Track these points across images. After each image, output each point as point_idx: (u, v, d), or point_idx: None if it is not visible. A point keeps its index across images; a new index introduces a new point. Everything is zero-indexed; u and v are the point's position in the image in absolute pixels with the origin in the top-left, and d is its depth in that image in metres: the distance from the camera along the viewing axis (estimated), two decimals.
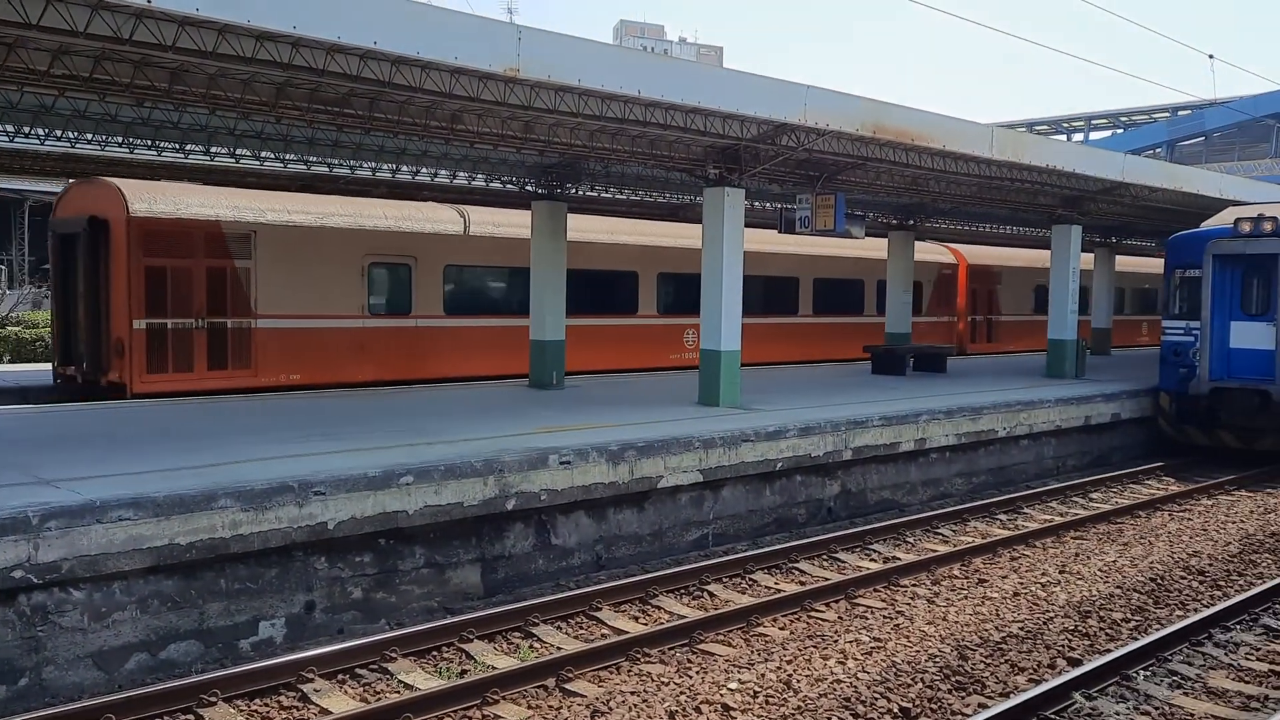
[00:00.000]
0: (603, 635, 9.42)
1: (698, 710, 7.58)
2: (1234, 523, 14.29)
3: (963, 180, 19.18)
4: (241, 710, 7.69)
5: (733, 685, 8.03)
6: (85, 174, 18.98)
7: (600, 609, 10.00)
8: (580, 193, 19.88)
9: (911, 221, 25.16)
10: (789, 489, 13.88)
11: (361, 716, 7.37)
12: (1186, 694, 8.18)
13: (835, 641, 9.13)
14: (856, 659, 8.66)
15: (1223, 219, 19.65)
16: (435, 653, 8.87)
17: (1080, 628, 9.60)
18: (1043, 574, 11.48)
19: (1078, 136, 74.99)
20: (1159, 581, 11.21)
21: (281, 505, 9.08)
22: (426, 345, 20.14)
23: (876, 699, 7.77)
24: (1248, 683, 8.40)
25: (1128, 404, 19.88)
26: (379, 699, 7.93)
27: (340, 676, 8.31)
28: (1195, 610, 10.25)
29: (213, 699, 7.63)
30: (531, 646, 9.12)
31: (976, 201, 22.04)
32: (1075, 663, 8.66)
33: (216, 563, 8.81)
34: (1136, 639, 9.23)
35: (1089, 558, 12.25)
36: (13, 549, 7.70)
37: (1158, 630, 9.37)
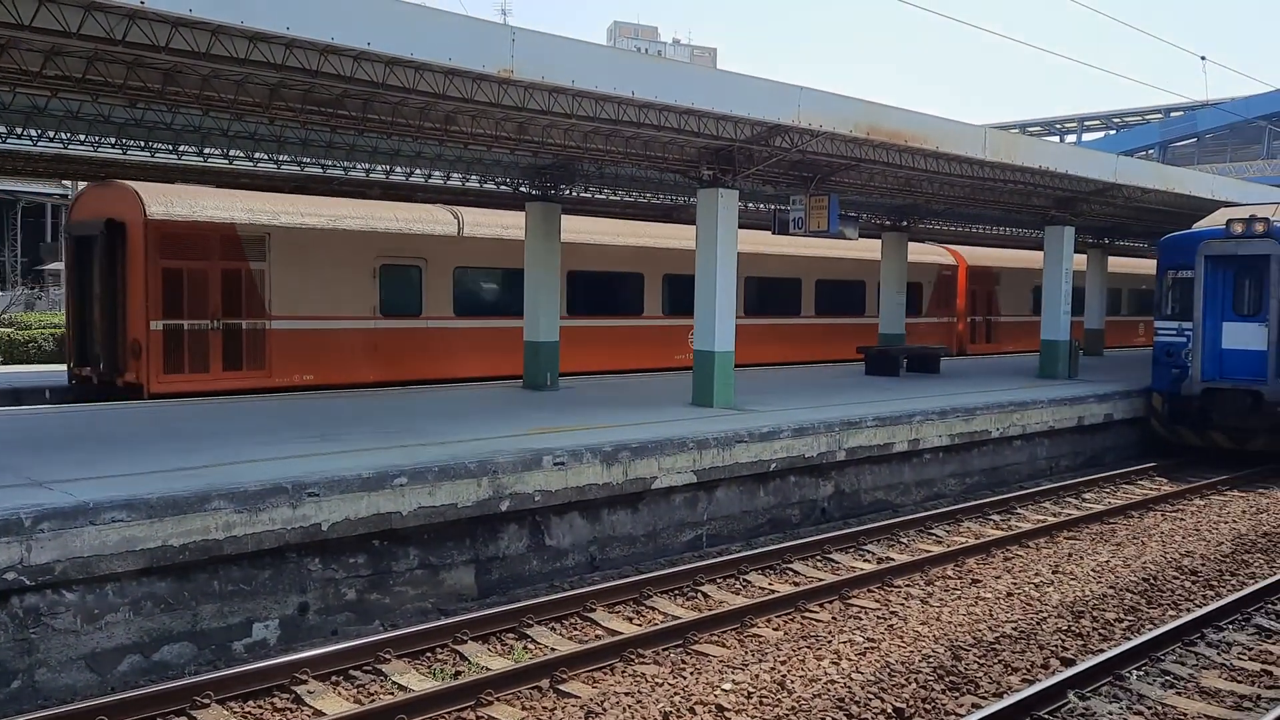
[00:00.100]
0: (597, 636, 9.42)
1: (692, 711, 7.58)
2: (1226, 523, 14.33)
3: (956, 181, 19.21)
4: (235, 712, 7.68)
5: (727, 686, 8.03)
6: (78, 175, 18.99)
7: (594, 610, 10.00)
8: (574, 194, 19.89)
9: (905, 223, 25.20)
10: (783, 490, 13.89)
11: (355, 718, 7.36)
12: (1179, 694, 8.20)
13: (829, 642, 9.14)
14: (850, 659, 8.67)
15: (1215, 220, 19.71)
16: (429, 654, 8.87)
17: (1073, 628, 9.62)
18: (1036, 574, 11.50)
19: (1070, 138, 75.19)
20: (1152, 581, 11.24)
21: (275, 506, 9.07)
22: (437, 346, 20.33)
23: (870, 699, 7.78)
24: (1240, 682, 8.43)
25: (1120, 405, 19.92)
26: (373, 700, 7.92)
27: (334, 678, 8.30)
28: (1188, 610, 10.28)
29: (206, 701, 7.62)
30: (526, 648, 9.12)
31: (970, 203, 22.09)
32: (1069, 663, 8.68)
33: (210, 564, 8.79)
34: (1130, 639, 9.25)
35: (1082, 558, 12.28)
36: (5, 551, 7.68)
37: (1151, 630, 9.40)
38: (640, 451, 12.03)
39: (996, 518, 14.61)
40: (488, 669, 8.45)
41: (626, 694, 7.91)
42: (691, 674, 8.37)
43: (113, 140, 15.55)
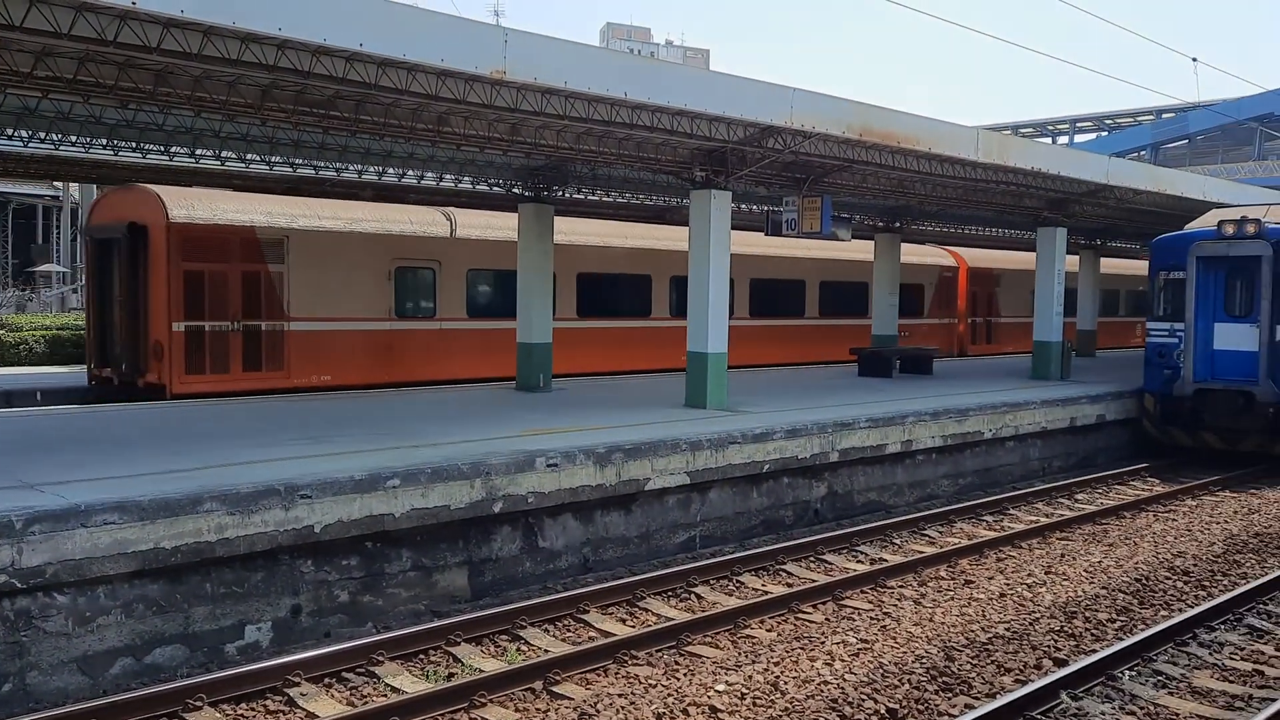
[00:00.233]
0: (590, 638, 9.41)
1: (685, 712, 7.58)
2: (1218, 523, 14.36)
3: (948, 183, 19.24)
4: (227, 714, 7.66)
5: (720, 687, 8.03)
6: (69, 177, 19.05)
7: (587, 611, 9.99)
8: (567, 195, 19.89)
9: (898, 224, 25.23)
10: (776, 491, 13.89)
11: None
12: (1171, 694, 8.22)
13: (822, 643, 9.14)
14: (843, 660, 8.67)
15: (1206, 221, 19.77)
16: (422, 656, 8.85)
17: (1066, 628, 9.63)
18: (1029, 575, 11.52)
19: (1062, 139, 75.33)
20: (1144, 582, 11.26)
21: (268, 508, 9.05)
22: (450, 347, 20.52)
23: (863, 700, 7.79)
24: (1232, 682, 8.45)
25: (1113, 405, 19.97)
26: (366, 702, 7.90)
27: (327, 680, 8.28)
28: (1180, 610, 10.30)
29: (198, 703, 7.59)
30: (519, 649, 9.11)
31: (962, 204, 22.13)
32: (1061, 663, 8.69)
33: (202, 566, 8.77)
34: (1122, 639, 9.27)
35: (1075, 558, 12.30)
36: None
37: (1143, 630, 9.41)
38: (633, 453, 12.02)
39: (989, 518, 14.62)
40: (481, 670, 8.44)
41: (620, 695, 7.90)
42: (685, 675, 8.37)
43: (104, 141, 15.51)
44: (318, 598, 9.52)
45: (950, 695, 7.99)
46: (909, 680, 8.21)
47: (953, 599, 10.58)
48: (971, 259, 32.92)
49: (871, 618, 9.95)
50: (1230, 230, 18.26)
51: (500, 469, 10.74)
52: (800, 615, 10.11)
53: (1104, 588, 10.99)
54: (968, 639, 9.26)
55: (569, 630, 9.64)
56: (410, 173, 18.83)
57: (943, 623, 9.75)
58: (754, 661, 8.65)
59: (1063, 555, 12.48)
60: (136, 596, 8.42)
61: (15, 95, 12.34)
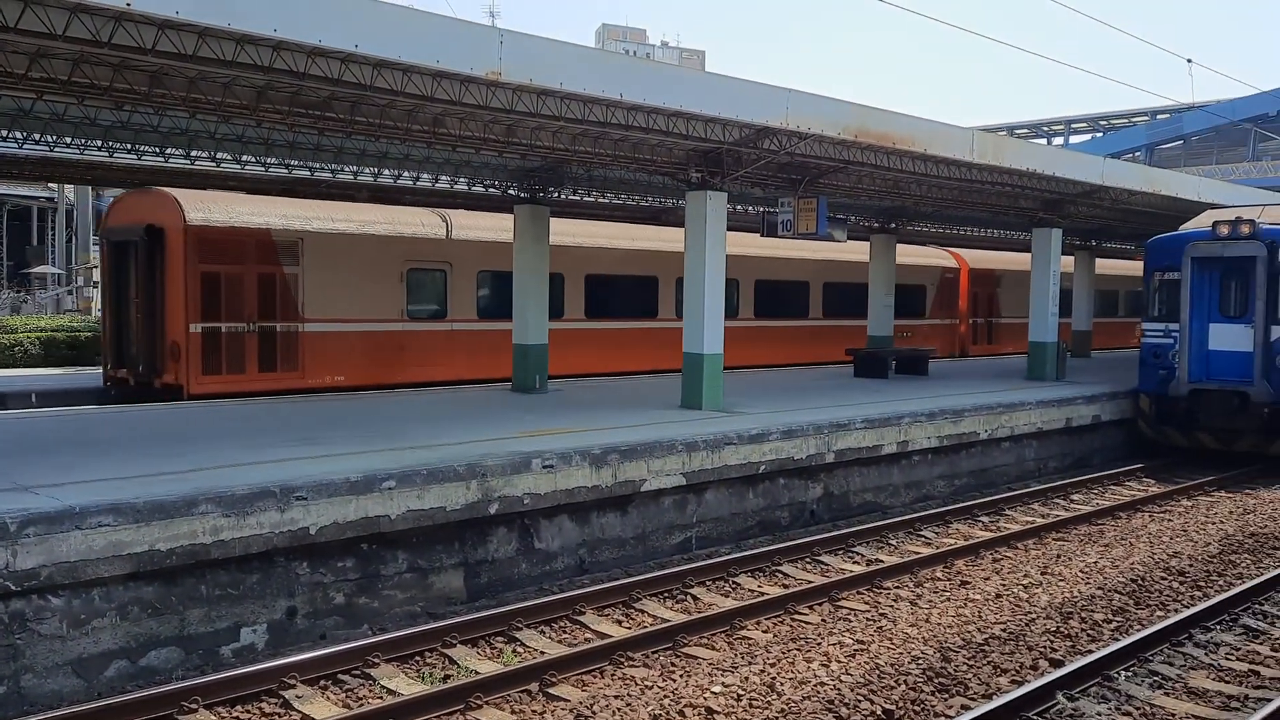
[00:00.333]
0: (586, 639, 9.40)
1: (681, 714, 7.57)
2: (1213, 523, 14.38)
3: (944, 183, 19.26)
4: (223, 717, 7.64)
5: (716, 688, 8.02)
6: (64, 178, 19.11)
7: (584, 613, 9.98)
8: (562, 196, 19.90)
9: (893, 225, 25.26)
10: (772, 492, 13.90)
11: None
12: (1167, 694, 8.23)
13: (818, 644, 9.14)
14: (840, 661, 8.67)
15: (1201, 222, 19.81)
16: (418, 658, 8.84)
17: (1062, 629, 9.64)
18: (1024, 575, 11.53)
19: (1058, 140, 75.44)
20: (1140, 582, 11.27)
21: (263, 510, 9.03)
22: (461, 347, 20.65)
23: (860, 701, 7.79)
24: (1228, 683, 8.45)
25: (1108, 406, 19.99)
26: (361, 705, 7.89)
27: (322, 682, 8.27)
28: (1176, 611, 10.31)
29: (193, 706, 7.58)
30: (515, 651, 9.10)
31: (958, 205, 22.15)
32: (1057, 663, 8.69)
33: (197, 569, 8.75)
34: (1118, 639, 9.27)
35: (1070, 559, 12.31)
36: None
37: (1139, 631, 9.42)
38: (629, 454, 12.02)
39: (985, 519, 14.63)
40: (477, 672, 8.43)
41: (616, 697, 7.90)
42: (681, 676, 8.36)
43: (99, 143, 15.49)
44: (313, 600, 9.51)
45: (946, 696, 7.99)
46: (905, 681, 8.20)
47: (949, 600, 10.59)
48: (973, 260, 33.16)
49: (868, 619, 9.95)
50: (1225, 231, 18.29)
51: (496, 470, 10.73)
52: (796, 616, 10.11)
53: (1100, 588, 11.00)
54: (964, 640, 9.26)
55: (565, 632, 9.63)
56: (406, 174, 18.85)
57: (939, 623, 9.75)
58: (750, 663, 8.65)
59: (1058, 556, 12.49)
60: (131, 599, 8.40)
61: (10, 97, 12.33)
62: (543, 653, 8.95)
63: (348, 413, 14.59)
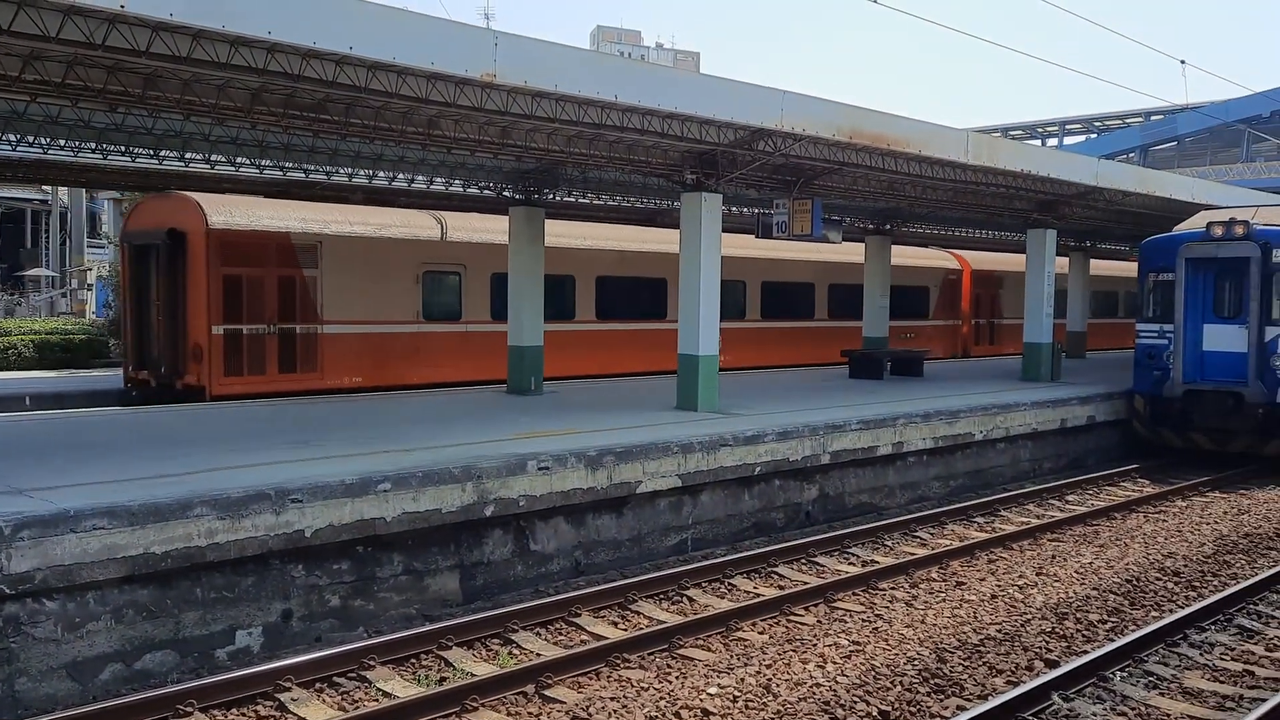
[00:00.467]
0: (582, 641, 9.40)
1: (677, 715, 7.57)
2: (1208, 524, 14.40)
3: (938, 185, 19.28)
4: None
5: (712, 690, 8.02)
6: (58, 181, 19.14)
7: (579, 615, 9.98)
8: (558, 198, 19.90)
9: (888, 226, 25.28)
10: (767, 493, 13.90)
11: None
12: (1163, 694, 8.24)
13: (814, 645, 9.14)
14: (835, 662, 8.68)
15: (1195, 223, 19.84)
16: (414, 660, 8.83)
17: (1057, 629, 9.65)
18: (1020, 576, 11.54)
19: (1052, 141, 75.51)
20: (1135, 583, 11.29)
21: (258, 513, 9.02)
22: (475, 348, 20.83)
23: (855, 702, 7.79)
24: (1223, 683, 8.47)
25: (1102, 407, 20.02)
26: (357, 707, 7.88)
27: (318, 685, 8.26)
28: (1171, 611, 10.33)
29: (189, 709, 7.56)
30: (511, 653, 9.09)
31: (952, 206, 22.17)
32: (1053, 664, 8.71)
33: (192, 571, 8.73)
34: (1113, 640, 9.29)
35: (1065, 559, 12.33)
36: None
37: (1134, 631, 9.43)
38: (625, 456, 12.01)
39: (980, 520, 14.65)
40: (473, 675, 8.42)
41: (612, 699, 7.90)
42: (677, 678, 8.36)
43: (93, 145, 15.46)
44: (309, 602, 9.50)
45: (942, 697, 7.99)
46: (901, 682, 8.21)
47: (944, 600, 10.60)
48: (975, 261, 33.41)
49: (863, 620, 9.96)
50: (1219, 232, 18.32)
51: (492, 472, 10.72)
52: (792, 618, 10.11)
53: (1095, 589, 11.01)
54: (959, 640, 9.27)
55: (561, 633, 9.63)
56: (400, 176, 18.84)
57: (934, 624, 9.76)
58: (746, 664, 8.65)
59: (1054, 556, 12.51)
60: (126, 602, 8.38)
61: (3, 99, 12.31)
62: (539, 654, 8.94)
63: (346, 414, 14.57)
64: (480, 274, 20.95)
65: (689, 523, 12.94)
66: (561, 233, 22.32)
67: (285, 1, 9.63)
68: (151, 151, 15.96)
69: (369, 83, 11.03)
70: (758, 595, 10.81)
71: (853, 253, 27.92)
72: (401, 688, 8.20)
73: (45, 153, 15.88)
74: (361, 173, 18.35)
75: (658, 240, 24.12)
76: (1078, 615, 10.09)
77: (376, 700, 8.01)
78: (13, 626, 7.82)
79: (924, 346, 29.11)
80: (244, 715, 7.73)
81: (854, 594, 10.91)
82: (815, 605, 10.49)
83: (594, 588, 10.62)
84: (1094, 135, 75.33)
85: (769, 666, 8.58)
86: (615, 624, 9.94)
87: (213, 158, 16.39)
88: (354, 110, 12.33)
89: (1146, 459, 19.35)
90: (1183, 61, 25.67)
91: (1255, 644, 9.46)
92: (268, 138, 15.52)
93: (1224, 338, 18.48)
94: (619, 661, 8.75)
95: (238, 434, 12.51)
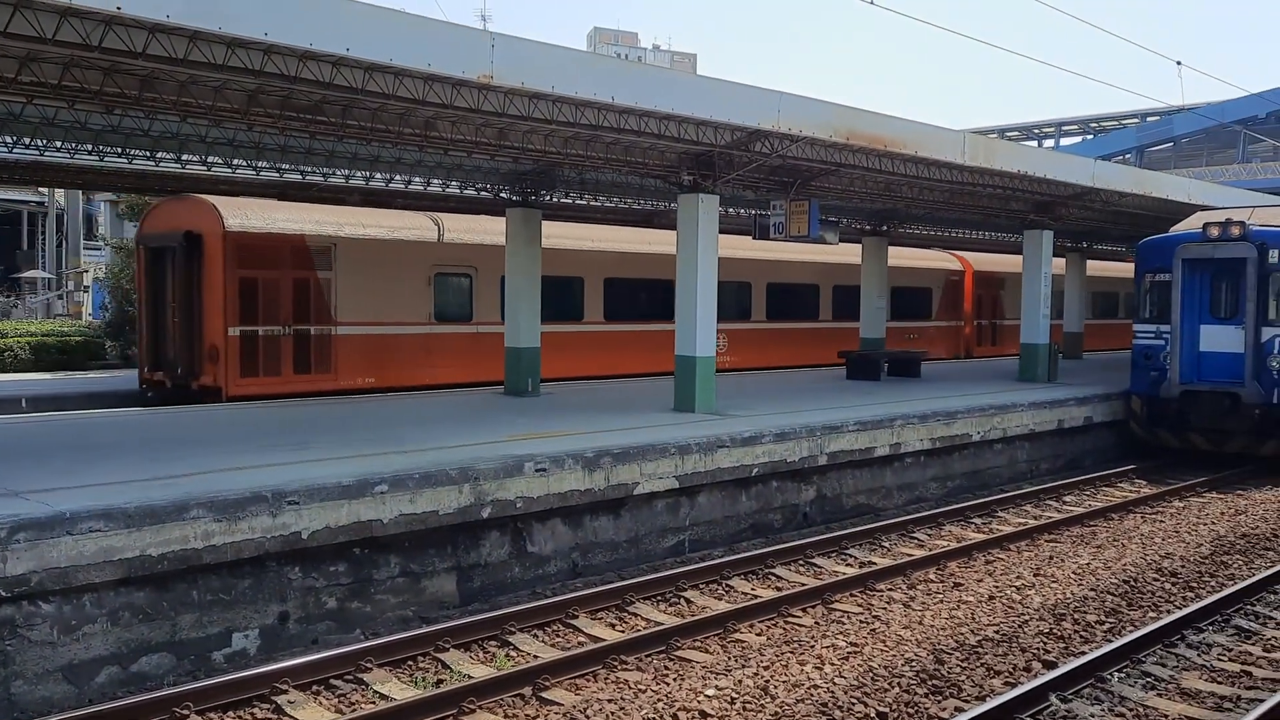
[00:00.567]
0: (579, 643, 9.38)
1: (675, 717, 7.56)
2: (1205, 524, 14.41)
3: (935, 186, 19.29)
4: None
5: (710, 692, 8.01)
6: (54, 183, 19.20)
7: (577, 617, 9.97)
8: (554, 200, 19.89)
9: (885, 227, 25.29)
10: (765, 495, 13.89)
11: None
12: (1160, 695, 8.24)
13: (812, 647, 9.14)
14: (833, 664, 8.67)
15: (1191, 224, 19.85)
16: (411, 662, 8.81)
17: (1055, 630, 9.65)
18: (1017, 577, 11.54)
19: (1048, 142, 75.64)
20: (1132, 583, 11.29)
21: (255, 515, 9.00)
22: (486, 349, 20.90)
23: (853, 704, 7.78)
24: (1220, 683, 8.47)
25: (1100, 407, 20.03)
26: (354, 710, 7.87)
27: (315, 687, 8.24)
28: (1168, 612, 10.33)
29: (185, 712, 7.54)
30: (508, 655, 9.08)
31: (949, 207, 22.18)
32: (1050, 665, 8.70)
33: (189, 574, 8.72)
34: (1111, 641, 9.29)
35: (1063, 560, 12.33)
36: None
37: (1131, 632, 9.44)
38: (622, 457, 12.00)
39: (978, 521, 14.65)
40: (470, 677, 8.41)
41: (609, 701, 7.89)
42: (674, 680, 8.35)
43: (89, 147, 15.44)
44: (305, 604, 9.48)
45: (940, 698, 7.99)
46: (899, 683, 8.21)
47: (942, 602, 10.59)
48: (977, 263, 33.58)
49: (861, 621, 9.95)
50: (1215, 232, 18.34)
51: (489, 474, 10.71)
52: (790, 619, 10.11)
53: (1092, 589, 11.01)
54: (957, 642, 9.26)
55: (558, 636, 9.62)
56: (397, 178, 18.84)
57: (932, 625, 9.76)
58: (744, 666, 8.64)
59: (1051, 557, 12.51)
60: (122, 604, 8.36)
61: (0, 101, 12.27)
62: (536, 656, 8.93)
63: (345, 416, 14.55)
64: (491, 276, 21.05)
65: (686, 524, 12.93)
66: (570, 235, 22.47)
67: (282, 3, 9.62)
68: (148, 153, 15.94)
69: (366, 84, 11.02)
70: (755, 597, 10.81)
71: (856, 254, 28.01)
72: (399, 690, 8.18)
73: (41, 154, 15.86)
74: (358, 174, 18.34)
75: (665, 242, 24.15)
76: (1075, 616, 10.09)
77: (374, 703, 7.99)
78: (8, 629, 7.80)
79: (927, 347, 29.28)
80: (241, 718, 7.72)
81: (851, 595, 10.90)
82: (813, 607, 10.49)
83: (591, 589, 10.61)
84: (1090, 136, 75.46)
85: (767, 668, 8.57)
86: (613, 626, 9.93)
87: (209, 159, 16.37)
88: (351, 112, 12.32)
89: (1143, 460, 19.36)
90: (1179, 63, 25.68)
91: (1253, 644, 9.46)
92: (264, 139, 15.50)
93: (1221, 338, 18.49)
94: (616, 663, 8.73)
95: (238, 435, 12.49)
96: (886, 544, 13.20)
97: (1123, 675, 8.58)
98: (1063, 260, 29.76)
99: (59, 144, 15.21)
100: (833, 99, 14.95)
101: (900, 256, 30.04)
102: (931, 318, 31.74)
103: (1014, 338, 33.80)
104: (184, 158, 16.25)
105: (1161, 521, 14.67)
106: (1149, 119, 69.21)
